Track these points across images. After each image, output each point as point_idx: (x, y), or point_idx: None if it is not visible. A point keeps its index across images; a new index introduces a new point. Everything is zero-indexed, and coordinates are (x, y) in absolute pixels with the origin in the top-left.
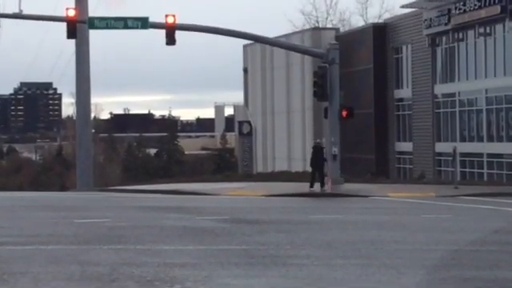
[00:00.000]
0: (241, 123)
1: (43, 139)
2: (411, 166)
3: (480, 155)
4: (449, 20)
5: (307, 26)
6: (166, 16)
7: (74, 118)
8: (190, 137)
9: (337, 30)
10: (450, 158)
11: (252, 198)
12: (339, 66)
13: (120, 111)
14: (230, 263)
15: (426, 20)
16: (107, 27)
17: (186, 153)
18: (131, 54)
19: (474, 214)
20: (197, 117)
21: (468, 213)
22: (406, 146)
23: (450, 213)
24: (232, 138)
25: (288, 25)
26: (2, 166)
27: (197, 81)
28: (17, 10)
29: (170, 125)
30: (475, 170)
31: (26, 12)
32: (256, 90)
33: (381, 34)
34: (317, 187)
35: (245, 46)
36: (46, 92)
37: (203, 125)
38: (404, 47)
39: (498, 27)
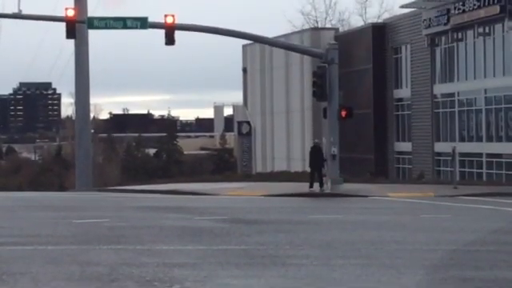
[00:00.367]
0: (240, 123)
1: (42, 139)
2: (410, 166)
3: (479, 155)
4: (448, 20)
5: (306, 26)
6: (165, 16)
7: (74, 118)
8: (189, 137)
9: (336, 30)
10: (450, 158)
11: (251, 198)
12: (338, 65)
13: (119, 111)
14: (229, 263)
15: (425, 20)
16: (106, 27)
17: (185, 153)
18: (130, 54)
19: (474, 214)
20: (196, 117)
21: (467, 213)
22: (405, 146)
23: (449, 213)
24: (231, 138)
25: (287, 25)
26: (2, 166)
27: (196, 81)
28: (16, 10)
29: (169, 125)
30: (474, 170)
31: (25, 12)
32: (255, 90)
33: (380, 33)
34: (316, 187)
35: (244, 46)
36: (45, 92)
37: (202, 125)
38: (403, 47)
39: (498, 27)
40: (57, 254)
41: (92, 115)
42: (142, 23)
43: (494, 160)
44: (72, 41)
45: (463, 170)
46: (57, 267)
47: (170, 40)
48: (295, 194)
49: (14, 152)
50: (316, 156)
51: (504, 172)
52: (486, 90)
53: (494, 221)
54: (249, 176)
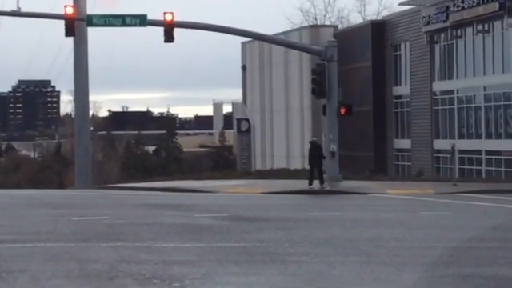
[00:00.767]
0: (239, 121)
1: (42, 137)
2: (410, 163)
3: (478, 152)
4: (447, 17)
5: (305, 24)
6: (165, 13)
7: (73, 115)
8: (188, 134)
9: (335, 27)
10: (449, 155)
11: (250, 195)
12: (337, 63)
13: (118, 109)
14: (229, 261)
15: (424, 17)
16: (105, 25)
17: (185, 150)
18: (130, 52)
19: (473, 212)
20: (195, 114)
21: (466, 210)
22: (404, 143)
23: (448, 210)
24: (230, 135)
25: (286, 22)
26: (1, 164)
27: (195, 78)
28: (15, 8)
29: (169, 122)
30: (474, 167)
31: (24, 10)
32: (254, 87)
33: (379, 31)
34: (316, 184)
35: (243, 44)
36: (44, 90)
37: (201, 122)
38: (402, 44)
39: (497, 24)
40: (56, 252)
41: (91, 113)
42: (141, 21)
43: (494, 157)
44: (71, 38)
45: (462, 167)
46: (56, 264)
47: (169, 37)
48: (294, 191)
49: (14, 150)
50: (315, 153)
51: (503, 169)
52: (485, 87)
53: (493, 218)
54: (248, 173)
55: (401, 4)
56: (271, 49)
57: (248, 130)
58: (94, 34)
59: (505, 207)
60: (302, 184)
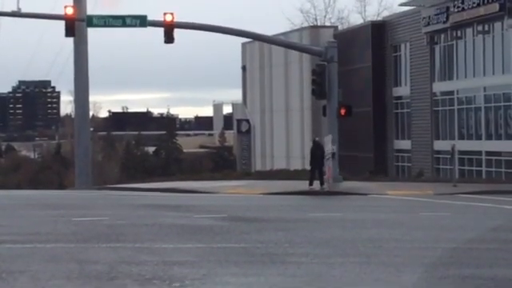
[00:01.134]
0: (239, 121)
1: (42, 137)
2: (410, 164)
3: (478, 153)
4: (447, 18)
5: (306, 24)
6: (165, 14)
7: (73, 116)
8: (188, 135)
9: (335, 27)
10: (449, 156)
11: (250, 196)
12: (338, 63)
13: (118, 109)
14: (229, 261)
15: (424, 18)
16: (105, 25)
17: (185, 151)
18: (130, 52)
19: (473, 212)
20: (195, 115)
21: (466, 211)
22: (404, 144)
23: (448, 211)
24: (230, 136)
25: (286, 23)
26: (1, 165)
27: (195, 79)
28: (15, 9)
29: (169, 123)
30: (474, 168)
31: (24, 10)
32: (254, 88)
33: (379, 31)
34: (316, 185)
35: (243, 44)
36: (44, 90)
37: (202, 123)
38: (402, 45)
39: (497, 25)
40: (56, 252)
41: (91, 113)
42: (142, 21)
43: (494, 158)
44: (71, 39)
45: (462, 168)
46: (56, 265)
47: (169, 38)
48: (294, 192)
49: (14, 150)
50: (316, 153)
51: (503, 170)
52: (485, 88)
53: (493, 219)
54: (248, 174)
55: (401, 5)
56: (271, 49)
57: (248, 131)
58: (94, 34)
59: (505, 208)
60: (302, 185)
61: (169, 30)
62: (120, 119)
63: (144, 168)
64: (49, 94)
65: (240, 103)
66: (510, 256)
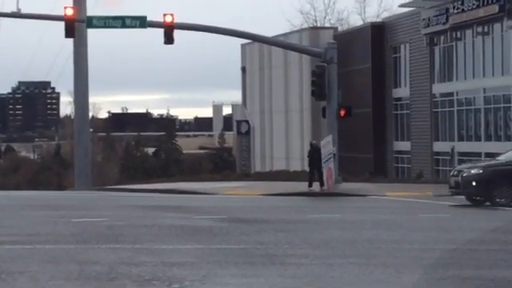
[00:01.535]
0: (239, 122)
1: (41, 138)
2: (409, 166)
3: (478, 154)
4: (447, 19)
5: (305, 25)
6: (164, 15)
7: (72, 117)
8: (188, 136)
9: (335, 29)
10: (448, 158)
11: (250, 197)
12: (337, 65)
13: (118, 110)
14: (228, 262)
15: (424, 19)
16: (105, 26)
17: (184, 152)
18: (129, 53)
19: (472, 214)
20: (195, 116)
21: (466, 212)
22: (404, 146)
23: (447, 212)
24: (230, 137)
25: (286, 24)
26: (0, 165)
27: (195, 80)
28: (15, 9)
29: (168, 124)
30: None
31: (24, 11)
32: (254, 89)
33: (379, 33)
34: (316, 186)
35: (243, 45)
36: (44, 91)
37: (201, 124)
38: (402, 46)
39: (496, 26)
40: (55, 253)
41: (91, 114)
42: (141, 22)
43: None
44: (71, 40)
45: None
46: (55, 266)
47: (168, 39)
48: (294, 193)
49: (13, 151)
50: (314, 156)
51: None
52: (484, 90)
53: (492, 220)
54: (248, 175)
55: (401, 6)
56: (271, 50)
57: (248, 132)
58: (93, 35)
59: (504, 209)
60: (302, 186)
61: (169, 31)
62: (120, 120)
63: (143, 169)
64: (48, 95)
65: (240, 104)
66: (510, 257)
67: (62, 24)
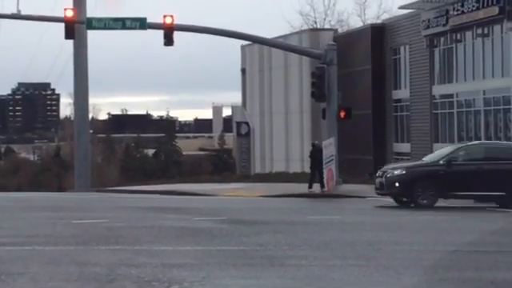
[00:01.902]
0: (239, 124)
1: (41, 140)
2: None
3: None
4: (447, 21)
5: (305, 27)
6: (164, 17)
7: (72, 118)
8: (187, 137)
9: (335, 30)
10: None
11: (250, 198)
12: (337, 66)
13: (118, 112)
14: (228, 264)
15: (424, 21)
16: (105, 28)
17: (184, 153)
18: (129, 55)
19: (472, 215)
20: (195, 117)
21: (466, 214)
22: (403, 147)
23: (447, 214)
24: (230, 138)
25: (286, 25)
26: (0, 167)
27: (195, 81)
28: (15, 11)
29: (168, 125)
30: None
31: (24, 12)
32: (254, 90)
33: (379, 34)
34: (316, 188)
35: (243, 47)
36: (43, 92)
37: (201, 125)
38: (402, 48)
39: (496, 28)
40: (55, 255)
41: (91, 116)
42: (141, 24)
43: None
44: (71, 41)
45: None
46: (55, 267)
47: (168, 40)
48: (294, 194)
49: (13, 152)
50: (316, 156)
51: None
52: (484, 91)
53: (493, 222)
54: (247, 177)
55: (400, 8)
56: (271, 52)
57: (247, 134)
58: (93, 36)
59: (504, 211)
60: (302, 187)
61: (168, 33)
62: (119, 121)
63: (143, 170)
64: (48, 97)
65: (239, 106)
66: (510, 259)
67: (61, 25)
